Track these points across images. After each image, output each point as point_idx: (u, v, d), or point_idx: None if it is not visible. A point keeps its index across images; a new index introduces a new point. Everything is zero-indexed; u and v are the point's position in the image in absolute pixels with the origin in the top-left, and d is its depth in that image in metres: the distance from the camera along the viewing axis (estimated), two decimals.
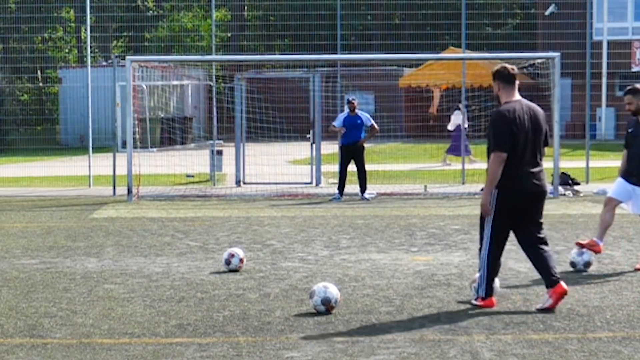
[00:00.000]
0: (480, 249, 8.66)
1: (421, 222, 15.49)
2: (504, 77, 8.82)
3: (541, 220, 8.66)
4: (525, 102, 8.80)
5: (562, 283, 8.44)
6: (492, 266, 8.56)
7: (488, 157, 8.57)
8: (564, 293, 8.41)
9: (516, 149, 8.46)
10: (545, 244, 8.61)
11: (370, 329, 7.79)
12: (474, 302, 8.65)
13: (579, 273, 10.39)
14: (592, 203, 18.50)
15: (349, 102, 19.72)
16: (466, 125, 24.54)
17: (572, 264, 10.63)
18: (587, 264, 10.56)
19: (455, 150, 26.28)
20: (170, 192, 21.02)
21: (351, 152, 19.30)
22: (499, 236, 8.55)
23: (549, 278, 8.48)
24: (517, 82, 8.87)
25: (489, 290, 8.60)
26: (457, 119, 26.62)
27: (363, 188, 19.41)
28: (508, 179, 8.41)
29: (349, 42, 42.75)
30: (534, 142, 8.57)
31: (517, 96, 8.82)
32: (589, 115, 23.96)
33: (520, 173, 8.46)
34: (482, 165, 24.83)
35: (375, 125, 19.65)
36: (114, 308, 8.68)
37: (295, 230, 14.44)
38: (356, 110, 19.53)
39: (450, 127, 27.61)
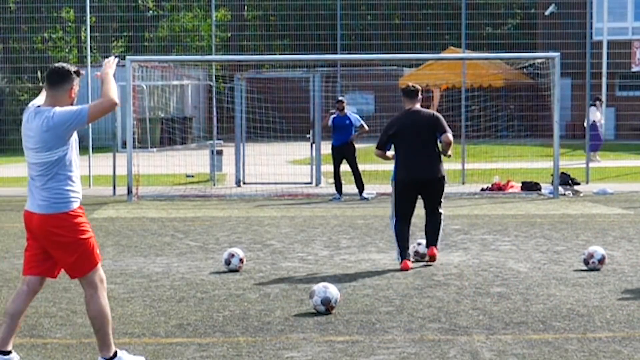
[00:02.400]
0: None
1: (421, 222, 15.46)
2: (404, 93, 11.40)
3: (439, 199, 11.17)
4: (416, 109, 11.23)
5: (434, 249, 11.04)
6: (400, 235, 10.91)
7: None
8: (433, 255, 10.99)
9: (399, 145, 11.07)
10: (439, 215, 11.20)
11: (370, 329, 7.79)
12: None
13: (580, 272, 10.39)
14: (592, 203, 18.50)
15: (337, 102, 19.52)
16: (602, 121, 24.34)
17: (585, 261, 10.59)
18: (602, 260, 10.55)
19: (596, 146, 26.07)
20: (170, 192, 21.02)
21: (342, 153, 19.17)
22: (400, 211, 11.06)
23: (431, 239, 11.11)
24: (417, 96, 11.31)
25: (403, 254, 10.81)
26: (594, 115, 26.25)
27: (360, 188, 19.34)
28: (397, 168, 11.07)
29: (349, 42, 42.72)
30: (417, 139, 10.95)
31: (411, 106, 11.26)
32: (589, 115, 23.95)
33: (405, 163, 10.97)
34: (480, 165, 24.82)
35: (365, 126, 19.43)
36: (114, 308, 8.67)
37: (295, 230, 14.44)
38: (345, 111, 19.34)
39: (589, 122, 26.99)
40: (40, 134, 6.40)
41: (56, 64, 6.51)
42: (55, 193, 6.46)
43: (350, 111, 19.90)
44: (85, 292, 6.67)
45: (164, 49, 40.56)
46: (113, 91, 6.48)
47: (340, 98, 19.87)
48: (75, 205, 6.55)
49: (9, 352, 6.58)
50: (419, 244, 11.33)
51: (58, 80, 6.48)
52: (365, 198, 19.21)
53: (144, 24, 47.22)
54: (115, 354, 6.63)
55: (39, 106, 6.51)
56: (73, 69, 6.53)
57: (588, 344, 7.27)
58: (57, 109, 6.43)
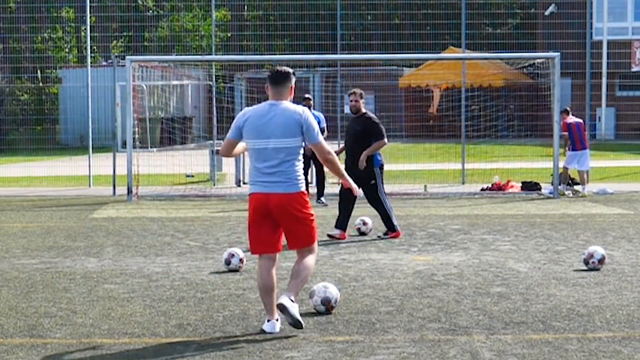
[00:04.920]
0: (380, 206, 13.39)
1: (421, 222, 15.49)
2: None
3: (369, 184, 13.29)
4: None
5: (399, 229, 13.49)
6: (392, 210, 13.44)
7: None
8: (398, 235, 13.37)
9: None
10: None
11: (370, 329, 7.79)
12: (385, 236, 13.35)
13: (580, 272, 10.39)
14: (592, 203, 18.51)
15: (304, 99, 18.07)
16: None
17: (585, 261, 10.59)
18: (602, 260, 10.55)
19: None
20: (170, 192, 21.02)
21: (307, 156, 17.73)
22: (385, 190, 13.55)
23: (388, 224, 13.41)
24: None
25: (396, 226, 13.40)
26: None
27: (320, 192, 18.30)
28: (379, 155, 13.42)
29: (349, 42, 42.74)
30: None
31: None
32: (588, 115, 23.96)
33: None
34: (480, 165, 24.83)
35: (325, 130, 18.25)
36: (114, 308, 8.68)
37: None
38: (312, 110, 17.97)
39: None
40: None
41: (279, 67, 7.85)
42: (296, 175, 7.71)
43: (314, 110, 18.64)
44: (302, 256, 7.80)
45: (164, 49, 40.57)
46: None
47: (306, 96, 18.45)
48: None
49: (277, 319, 7.74)
50: (364, 223, 13.82)
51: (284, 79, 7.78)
52: (321, 202, 18.16)
53: (144, 24, 47.24)
54: (292, 301, 7.60)
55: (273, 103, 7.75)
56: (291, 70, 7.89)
57: (588, 344, 7.27)
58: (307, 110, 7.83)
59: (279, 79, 7.77)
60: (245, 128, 7.73)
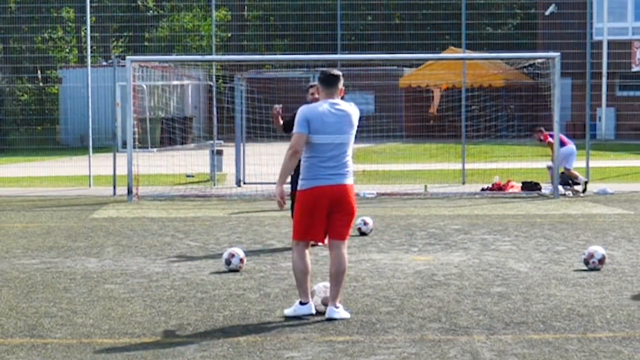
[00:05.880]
0: None
1: (421, 222, 15.49)
2: None
3: None
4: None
5: None
6: None
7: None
8: None
9: None
10: None
11: (370, 329, 7.79)
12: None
13: (580, 272, 10.39)
14: (592, 203, 18.51)
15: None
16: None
17: (586, 261, 10.59)
18: (602, 260, 10.55)
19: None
20: (170, 192, 21.02)
21: None
22: None
23: None
24: None
25: None
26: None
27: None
28: None
29: (349, 42, 42.74)
30: None
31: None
32: (589, 115, 23.95)
33: None
34: (480, 165, 24.83)
35: None
36: (114, 308, 8.68)
37: None
38: None
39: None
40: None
41: (327, 70, 8.42)
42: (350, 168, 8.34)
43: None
44: (338, 252, 8.23)
45: (164, 49, 40.58)
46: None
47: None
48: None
49: (307, 302, 8.27)
50: (365, 223, 13.64)
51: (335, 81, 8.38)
52: None
53: (144, 24, 47.27)
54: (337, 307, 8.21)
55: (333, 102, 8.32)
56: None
57: (588, 344, 7.27)
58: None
59: (330, 80, 8.39)
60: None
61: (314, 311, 8.18)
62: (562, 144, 20.38)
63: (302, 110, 8.27)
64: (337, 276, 8.17)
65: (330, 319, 8.01)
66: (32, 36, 39.91)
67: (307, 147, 8.21)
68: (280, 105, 14.01)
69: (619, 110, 38.41)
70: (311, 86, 13.31)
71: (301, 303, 8.24)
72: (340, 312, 8.13)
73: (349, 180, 8.26)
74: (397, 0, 43.96)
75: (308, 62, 26.55)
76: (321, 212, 8.20)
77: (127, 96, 20.48)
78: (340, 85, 8.39)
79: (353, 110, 8.34)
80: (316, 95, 13.64)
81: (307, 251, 8.30)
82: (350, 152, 8.31)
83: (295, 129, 8.20)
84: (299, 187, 8.29)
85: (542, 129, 20.62)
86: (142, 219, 16.20)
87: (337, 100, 8.34)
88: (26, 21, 39.73)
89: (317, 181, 8.18)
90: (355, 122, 8.32)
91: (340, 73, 8.40)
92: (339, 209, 8.22)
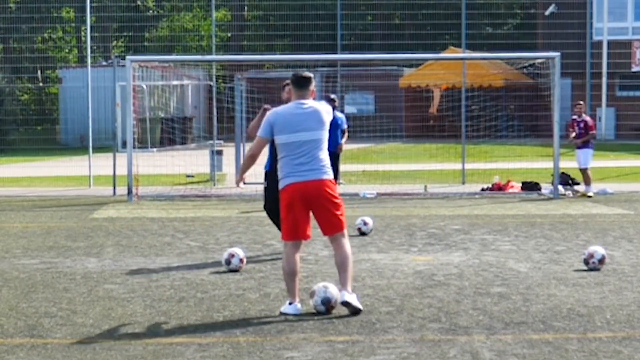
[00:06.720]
0: None
1: (421, 222, 15.49)
2: None
3: None
4: None
5: None
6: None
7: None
8: None
9: None
10: None
11: (370, 329, 7.79)
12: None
13: (580, 272, 10.39)
14: (592, 203, 18.51)
15: (330, 100, 17.25)
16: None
17: (585, 261, 10.59)
18: (602, 260, 10.55)
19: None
20: (170, 192, 21.02)
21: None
22: None
23: None
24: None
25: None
26: None
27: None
28: None
29: (349, 42, 42.73)
30: None
31: None
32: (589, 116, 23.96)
33: None
34: (480, 165, 24.82)
35: (346, 131, 17.88)
36: (114, 308, 8.68)
37: None
38: (335, 111, 16.62)
39: None
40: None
41: (299, 72, 8.57)
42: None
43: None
44: (337, 244, 8.41)
45: (164, 49, 40.59)
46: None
47: (332, 96, 17.94)
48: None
49: (293, 303, 8.38)
50: (365, 223, 13.68)
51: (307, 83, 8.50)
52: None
53: (144, 24, 47.25)
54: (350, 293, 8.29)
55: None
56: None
57: (588, 344, 7.27)
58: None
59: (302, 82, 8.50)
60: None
61: (298, 312, 8.27)
62: (585, 144, 20.30)
63: (267, 115, 8.55)
64: (341, 264, 8.39)
65: (344, 303, 8.16)
66: (32, 36, 39.90)
67: (279, 148, 8.42)
68: (269, 106, 13.81)
69: (619, 110, 38.39)
70: (286, 84, 12.88)
71: (290, 303, 8.39)
72: (353, 297, 8.24)
73: (326, 175, 8.38)
74: (397, 0, 43.94)
75: (308, 62, 26.57)
76: (299, 208, 8.34)
77: (127, 96, 20.48)
78: (312, 87, 8.56)
79: (322, 107, 8.48)
80: (287, 95, 13.59)
81: (296, 253, 8.42)
82: (324, 147, 8.42)
83: (257, 133, 8.47)
84: (279, 187, 8.47)
85: (582, 102, 20.65)
86: (142, 219, 16.20)
87: (306, 100, 8.49)
88: (26, 21, 39.71)
89: (291, 178, 8.35)
90: (326, 119, 8.43)
91: (311, 75, 8.58)
92: (318, 204, 8.38)
